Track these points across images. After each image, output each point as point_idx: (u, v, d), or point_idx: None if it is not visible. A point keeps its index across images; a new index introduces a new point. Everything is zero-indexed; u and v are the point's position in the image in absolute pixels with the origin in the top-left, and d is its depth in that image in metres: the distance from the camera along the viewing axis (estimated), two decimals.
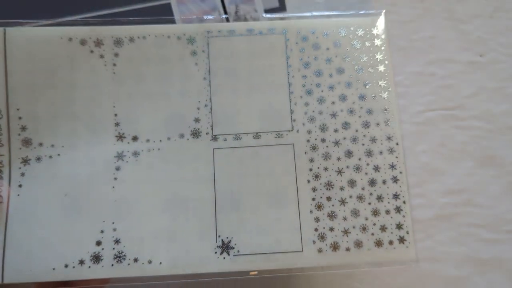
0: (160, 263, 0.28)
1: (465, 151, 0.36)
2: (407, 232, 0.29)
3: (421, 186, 0.35)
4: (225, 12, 0.35)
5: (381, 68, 0.31)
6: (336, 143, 0.30)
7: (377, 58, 0.31)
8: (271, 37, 0.31)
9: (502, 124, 0.36)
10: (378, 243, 0.29)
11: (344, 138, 0.30)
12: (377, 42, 0.32)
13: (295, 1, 0.35)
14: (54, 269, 0.27)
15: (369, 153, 0.30)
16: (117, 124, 0.30)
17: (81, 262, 0.28)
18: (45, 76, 0.30)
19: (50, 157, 0.29)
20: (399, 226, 0.29)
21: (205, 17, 0.34)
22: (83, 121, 0.30)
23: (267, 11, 0.36)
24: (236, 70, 0.31)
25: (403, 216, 0.29)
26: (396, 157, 0.30)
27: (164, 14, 0.36)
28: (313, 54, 0.31)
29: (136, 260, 0.28)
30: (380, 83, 0.31)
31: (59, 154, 0.29)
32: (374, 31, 0.32)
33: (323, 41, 0.31)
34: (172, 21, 0.35)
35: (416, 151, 0.36)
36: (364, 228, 0.29)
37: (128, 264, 0.28)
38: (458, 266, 0.34)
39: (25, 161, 0.29)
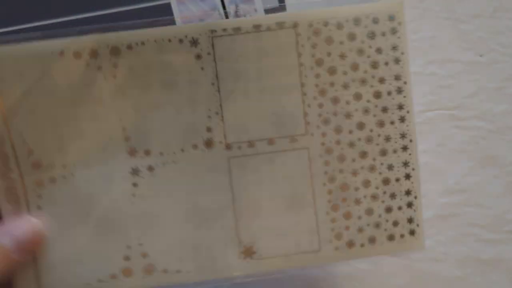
0: (188, 271, 0.30)
1: (465, 151, 0.36)
2: (417, 225, 0.31)
3: (421, 186, 0.36)
4: (225, 12, 0.33)
5: (398, 62, 0.30)
6: (351, 144, 0.30)
7: (394, 51, 0.30)
8: (281, 33, 0.29)
9: (502, 124, 0.36)
10: (390, 238, 0.31)
11: (359, 139, 0.30)
12: (395, 33, 0.30)
13: (294, 1, 0.33)
14: (88, 284, 0.29)
15: (383, 153, 0.30)
16: (127, 139, 0.29)
17: (113, 276, 0.30)
18: (43, 96, 0.28)
19: (64, 177, 0.29)
20: (410, 220, 0.31)
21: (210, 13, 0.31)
22: (91, 139, 0.29)
23: (267, 11, 0.34)
24: (245, 72, 0.29)
25: (414, 211, 0.31)
26: (410, 154, 0.31)
27: (163, 14, 0.33)
28: (326, 50, 0.30)
29: (165, 271, 0.30)
30: (396, 78, 0.30)
31: (72, 174, 0.29)
32: (392, 23, 0.30)
33: (336, 35, 0.29)
34: (171, 21, 0.32)
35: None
36: (377, 225, 0.31)
37: (158, 275, 0.30)
38: (458, 266, 0.35)
39: (39, 183, 0.29)
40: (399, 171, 0.31)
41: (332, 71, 0.30)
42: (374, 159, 0.30)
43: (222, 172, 0.30)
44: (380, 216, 0.31)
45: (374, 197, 0.30)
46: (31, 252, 0.28)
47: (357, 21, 0.29)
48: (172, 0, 0.34)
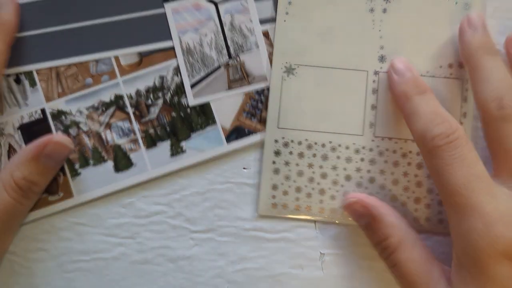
0: None
1: None
2: None
3: None
4: (220, 22, 0.34)
5: None
6: None
7: None
8: None
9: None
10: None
11: None
12: None
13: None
14: None
15: None
16: None
17: None
18: None
19: None
20: None
21: None
22: None
23: (262, 21, 0.34)
24: None
25: None
26: None
27: (158, 23, 0.33)
28: None
29: None
30: None
31: None
32: None
33: None
34: (167, 33, 0.33)
35: None
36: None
37: None
38: None
39: None
40: None
41: None
42: None
43: None
44: None
45: None
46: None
47: None
48: (167, 10, 0.34)
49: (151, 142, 0.34)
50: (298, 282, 0.34)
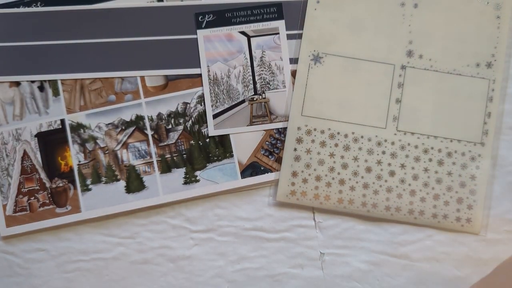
0: None
1: None
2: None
3: None
4: (251, 56, 0.34)
5: None
6: None
7: None
8: None
9: (502, 124, 0.35)
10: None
11: None
12: None
13: None
14: None
15: None
16: None
17: None
18: None
19: None
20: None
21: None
22: None
23: (292, 59, 0.34)
24: None
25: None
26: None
27: (189, 49, 0.34)
28: None
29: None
30: None
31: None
32: None
33: None
34: (196, 60, 0.33)
35: None
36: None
37: None
38: (458, 266, 0.34)
39: None
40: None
41: None
42: None
43: None
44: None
45: None
46: None
47: None
48: (199, 36, 0.34)
49: (166, 167, 0.34)
50: (298, 281, 0.34)
